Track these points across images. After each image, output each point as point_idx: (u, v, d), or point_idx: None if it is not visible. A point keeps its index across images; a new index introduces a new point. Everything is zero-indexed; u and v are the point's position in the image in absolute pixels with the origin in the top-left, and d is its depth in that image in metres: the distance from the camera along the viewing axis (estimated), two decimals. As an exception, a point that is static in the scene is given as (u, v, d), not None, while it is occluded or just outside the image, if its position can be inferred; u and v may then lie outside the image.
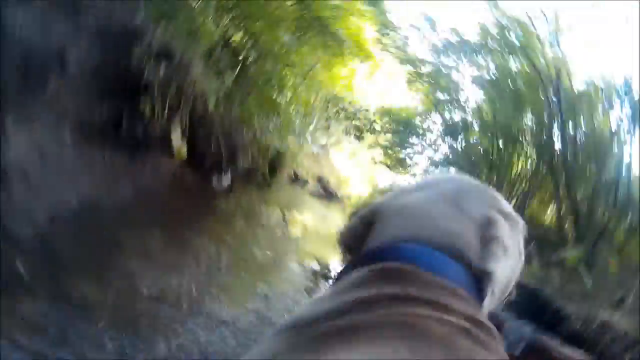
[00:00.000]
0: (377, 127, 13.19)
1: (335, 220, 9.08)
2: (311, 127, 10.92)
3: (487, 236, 0.72)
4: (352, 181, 12.64)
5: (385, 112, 12.74)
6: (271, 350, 0.56)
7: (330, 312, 0.57)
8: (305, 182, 10.03)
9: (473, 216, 0.75)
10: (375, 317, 0.54)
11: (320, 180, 10.82)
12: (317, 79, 9.72)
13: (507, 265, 0.73)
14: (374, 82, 11.43)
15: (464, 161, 8.99)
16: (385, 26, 10.07)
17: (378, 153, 13.67)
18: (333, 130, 12.10)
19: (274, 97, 7.78)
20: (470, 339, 0.54)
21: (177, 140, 5.77)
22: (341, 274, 0.71)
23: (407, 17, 11.43)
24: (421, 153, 12.80)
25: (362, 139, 13.24)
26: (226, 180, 6.87)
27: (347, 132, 12.66)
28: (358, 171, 13.12)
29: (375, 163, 13.58)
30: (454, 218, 0.75)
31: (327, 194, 11.23)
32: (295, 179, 9.49)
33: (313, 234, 7.91)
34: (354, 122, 12.53)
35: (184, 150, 5.83)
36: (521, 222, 0.82)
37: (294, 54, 7.98)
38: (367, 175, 13.26)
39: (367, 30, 9.73)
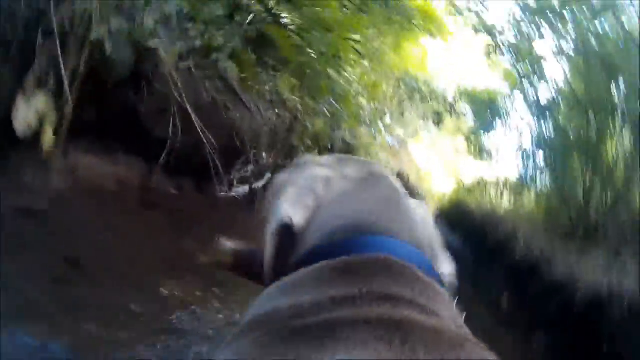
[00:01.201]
0: (458, 110, 11.83)
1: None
2: (385, 116, 10.11)
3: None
4: (434, 175, 11.49)
5: (465, 93, 11.28)
6: (241, 352, 0.52)
7: (300, 307, 0.54)
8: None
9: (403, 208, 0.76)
10: (361, 316, 0.51)
11: (400, 176, 9.95)
12: (384, 58, 8.87)
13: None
14: (449, 57, 10.23)
15: (554, 144, 7.75)
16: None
17: (460, 141, 12.33)
18: (409, 117, 11.08)
19: (329, 75, 6.82)
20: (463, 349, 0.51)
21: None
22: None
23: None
24: (506, 138, 11.39)
25: (442, 125, 12.02)
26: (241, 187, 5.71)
27: (424, 117, 11.53)
28: (440, 163, 11.86)
29: (458, 152, 12.31)
30: (394, 208, 0.74)
31: (409, 192, 10.12)
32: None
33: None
34: (431, 105, 11.33)
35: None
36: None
37: (351, 27, 7.18)
38: (450, 168, 11.95)
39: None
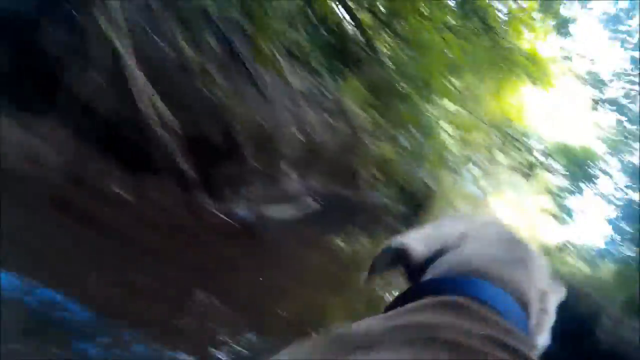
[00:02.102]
0: (551, 166, 11.01)
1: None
2: (471, 162, 9.64)
3: (541, 308, 0.79)
4: (514, 233, 10.64)
5: (561, 150, 10.54)
6: (302, 351, 0.58)
7: (370, 330, 0.58)
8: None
9: (535, 281, 0.79)
10: (403, 337, 0.55)
11: None
12: (481, 101, 8.47)
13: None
14: (550, 108, 9.62)
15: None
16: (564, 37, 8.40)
17: (545, 199, 11.58)
18: (497, 168, 10.51)
19: (414, 102, 6.25)
20: None
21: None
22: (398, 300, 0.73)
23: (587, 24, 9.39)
24: (593, 203, 10.49)
25: (532, 178, 11.26)
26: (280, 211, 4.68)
27: (513, 169, 10.86)
28: (520, 220, 11.16)
29: (542, 211, 11.52)
30: (524, 275, 0.77)
31: None
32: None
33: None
34: (524, 157, 10.62)
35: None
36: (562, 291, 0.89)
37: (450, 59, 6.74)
38: (530, 226, 11.26)
39: (542, 45, 8.20)
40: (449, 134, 8.09)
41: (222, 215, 3.83)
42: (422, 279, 0.79)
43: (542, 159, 10.74)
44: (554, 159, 10.74)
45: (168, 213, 3.42)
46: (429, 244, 0.85)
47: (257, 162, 3.97)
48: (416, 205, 7.25)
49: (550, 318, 0.82)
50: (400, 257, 0.85)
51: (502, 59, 7.90)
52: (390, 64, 5.90)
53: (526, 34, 7.97)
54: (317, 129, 4.68)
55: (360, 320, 0.67)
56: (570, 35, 8.81)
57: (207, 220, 3.73)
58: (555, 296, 0.87)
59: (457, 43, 6.73)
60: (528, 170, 10.97)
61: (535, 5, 7.94)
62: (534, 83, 8.50)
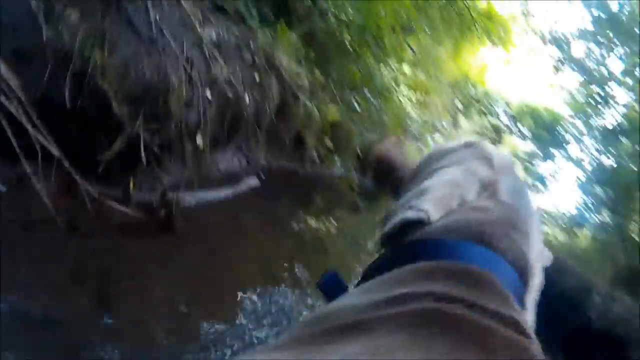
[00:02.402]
0: (519, 129, 10.77)
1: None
2: (433, 128, 9.29)
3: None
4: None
5: (527, 112, 10.24)
6: (291, 337, 0.54)
7: (357, 307, 0.55)
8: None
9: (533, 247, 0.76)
10: (394, 313, 0.51)
11: None
12: (439, 63, 8.13)
13: None
14: (512, 68, 9.32)
15: (614, 181, 6.90)
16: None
17: (517, 166, 11.29)
18: (462, 133, 10.24)
19: (368, 65, 5.78)
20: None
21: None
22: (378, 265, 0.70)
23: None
24: (564, 168, 10.33)
25: (500, 144, 11.04)
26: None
27: (480, 133, 10.60)
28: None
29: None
30: (525, 241, 0.74)
31: None
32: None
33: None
34: (489, 120, 10.36)
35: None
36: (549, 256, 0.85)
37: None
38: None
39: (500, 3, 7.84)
40: (408, 99, 7.73)
41: (121, 207, 3.08)
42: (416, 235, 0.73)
43: (507, 122, 10.51)
44: (521, 123, 10.52)
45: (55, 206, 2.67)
46: (447, 204, 0.78)
47: (150, 134, 3.03)
48: (376, 177, 6.88)
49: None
50: (416, 226, 0.76)
51: (458, 17, 7.57)
52: (334, 18, 5.43)
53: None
54: (239, 89, 3.68)
55: (342, 297, 0.62)
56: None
57: (103, 213, 2.98)
58: (542, 261, 0.82)
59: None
60: (495, 136, 10.75)
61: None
62: (493, 43, 8.24)
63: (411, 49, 7.21)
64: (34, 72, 2.42)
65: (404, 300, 0.53)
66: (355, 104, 6.06)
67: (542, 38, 8.76)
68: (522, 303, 0.67)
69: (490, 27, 7.90)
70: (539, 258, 0.77)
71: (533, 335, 0.54)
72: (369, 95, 6.25)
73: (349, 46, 5.54)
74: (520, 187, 0.87)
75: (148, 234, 3.30)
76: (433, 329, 0.47)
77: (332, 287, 0.75)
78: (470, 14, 7.59)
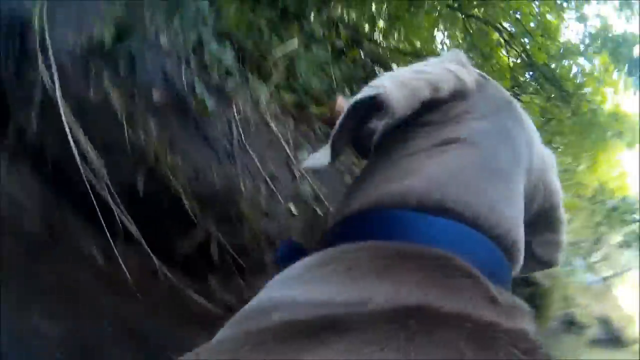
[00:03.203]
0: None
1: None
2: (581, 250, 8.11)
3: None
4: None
5: None
6: (230, 348, 0.45)
7: (313, 304, 0.47)
8: (583, 326, 7.00)
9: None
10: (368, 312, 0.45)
11: (605, 322, 7.70)
12: (576, 176, 7.06)
13: None
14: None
15: None
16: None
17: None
18: (607, 248, 8.91)
19: None
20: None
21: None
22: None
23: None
24: None
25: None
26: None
27: (625, 245, 9.12)
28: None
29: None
30: (511, 196, 0.60)
31: (611, 339, 8.37)
32: (571, 323, 6.59)
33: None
34: (634, 229, 8.86)
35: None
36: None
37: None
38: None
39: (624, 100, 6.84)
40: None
41: (201, 299, 2.75)
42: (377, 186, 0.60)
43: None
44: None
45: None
46: (414, 92, 0.62)
47: (224, 235, 2.84)
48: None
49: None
50: (377, 111, 0.62)
51: (588, 125, 6.63)
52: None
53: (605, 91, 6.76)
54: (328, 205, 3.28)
55: (273, 287, 0.54)
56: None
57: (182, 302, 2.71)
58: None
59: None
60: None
61: (607, 58, 6.80)
62: (628, 145, 7.16)
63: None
64: (115, 160, 2.41)
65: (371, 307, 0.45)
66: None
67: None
68: (508, 286, 0.54)
69: (620, 128, 6.91)
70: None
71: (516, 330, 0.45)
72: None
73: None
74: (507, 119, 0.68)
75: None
76: (409, 326, 0.41)
77: (291, 256, 0.59)
78: (596, 119, 6.67)
